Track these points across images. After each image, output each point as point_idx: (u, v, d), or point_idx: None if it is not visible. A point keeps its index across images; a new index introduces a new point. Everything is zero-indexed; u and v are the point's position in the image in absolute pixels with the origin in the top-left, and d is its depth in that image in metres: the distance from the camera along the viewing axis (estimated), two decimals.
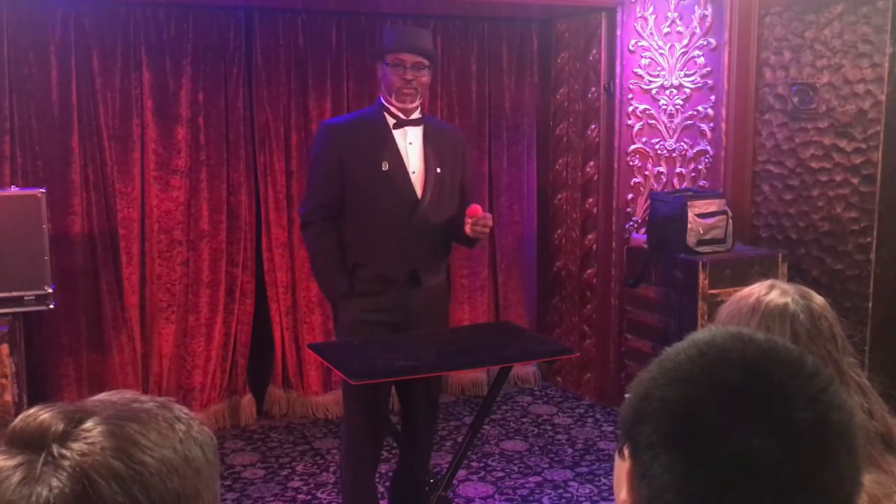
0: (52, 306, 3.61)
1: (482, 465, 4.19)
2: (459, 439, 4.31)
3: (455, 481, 3.73)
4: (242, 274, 4.59)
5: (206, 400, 4.50)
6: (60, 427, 0.78)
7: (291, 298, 4.69)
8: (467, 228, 3.19)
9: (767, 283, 1.64)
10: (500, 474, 4.09)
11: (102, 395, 0.85)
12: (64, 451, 0.76)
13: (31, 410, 0.81)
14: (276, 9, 4.56)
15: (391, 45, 3.22)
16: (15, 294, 3.51)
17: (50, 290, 3.57)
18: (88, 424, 0.79)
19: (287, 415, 4.76)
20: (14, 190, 3.67)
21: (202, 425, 0.87)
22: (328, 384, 4.76)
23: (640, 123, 4.61)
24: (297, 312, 4.69)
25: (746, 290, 1.63)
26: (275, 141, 4.59)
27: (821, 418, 0.79)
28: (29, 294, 3.53)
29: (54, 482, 0.75)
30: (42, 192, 3.57)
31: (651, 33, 4.51)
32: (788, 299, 1.58)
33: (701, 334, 0.87)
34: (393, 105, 3.22)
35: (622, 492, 0.88)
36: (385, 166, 3.18)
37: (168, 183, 4.42)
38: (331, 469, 4.13)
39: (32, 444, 0.77)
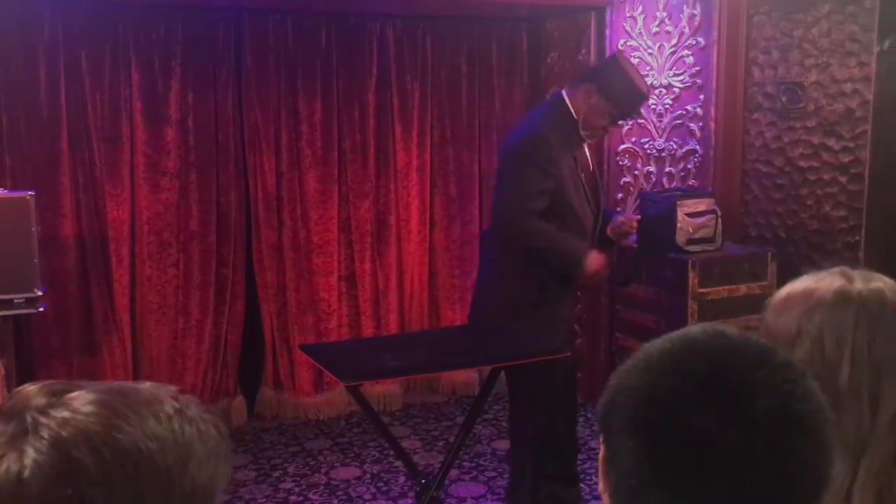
0: (41, 309, 3.59)
1: (474, 464, 4.19)
2: (451, 439, 4.31)
3: (447, 481, 3.73)
4: (233, 275, 4.58)
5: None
6: (44, 399, 0.77)
7: (282, 300, 4.69)
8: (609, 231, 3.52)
9: (837, 270, 1.32)
10: (492, 474, 4.10)
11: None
12: (44, 420, 0.75)
13: (21, 386, 0.80)
14: (265, 10, 4.55)
15: (635, 110, 3.43)
16: (4, 297, 3.49)
17: (39, 293, 3.55)
18: (74, 394, 0.78)
19: (278, 416, 4.75)
20: (3, 192, 3.65)
21: (205, 409, 0.85)
22: (320, 385, 4.76)
23: (630, 123, 4.62)
24: (287, 314, 4.69)
25: (811, 284, 1.30)
26: (264, 142, 4.58)
27: (783, 408, 0.80)
28: (18, 297, 3.51)
29: (30, 451, 0.73)
30: (31, 195, 3.55)
31: (640, 33, 4.52)
32: (880, 284, 1.28)
33: (678, 331, 0.89)
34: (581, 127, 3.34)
35: (602, 480, 0.90)
36: (583, 177, 3.37)
37: (158, 184, 4.40)
38: (322, 470, 4.13)
39: (13, 414, 0.76)
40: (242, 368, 4.72)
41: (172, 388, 0.85)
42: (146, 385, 0.84)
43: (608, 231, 3.53)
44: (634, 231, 3.57)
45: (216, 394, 4.60)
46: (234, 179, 4.56)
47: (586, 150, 3.44)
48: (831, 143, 3.87)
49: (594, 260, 3.28)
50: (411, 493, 3.37)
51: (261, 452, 4.34)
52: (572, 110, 3.28)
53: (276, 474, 4.10)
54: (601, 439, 0.89)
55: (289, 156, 4.63)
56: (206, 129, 4.48)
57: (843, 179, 3.85)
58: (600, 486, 0.90)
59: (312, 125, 4.66)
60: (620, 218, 3.58)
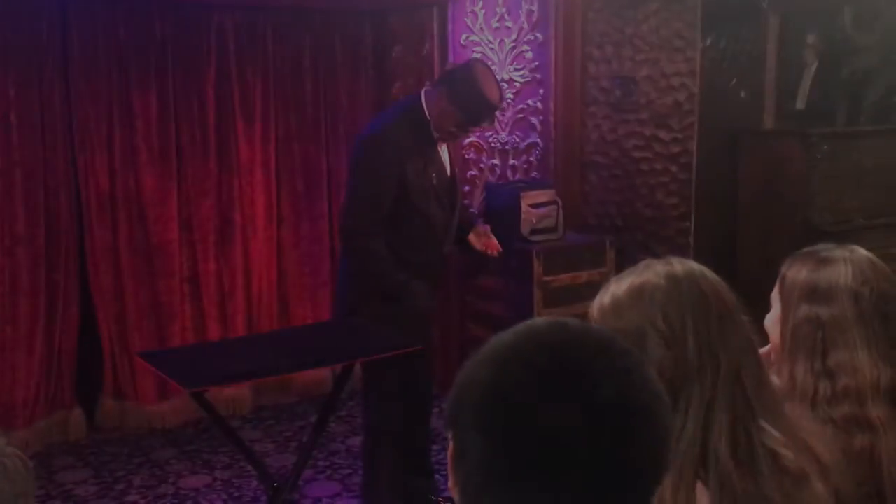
0: None
1: (329, 463, 4.15)
2: (305, 440, 4.25)
3: (301, 482, 3.67)
4: (65, 280, 4.32)
5: (30, 416, 4.21)
6: None
7: (120, 304, 4.46)
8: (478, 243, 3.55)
9: (649, 262, 1.39)
10: (348, 471, 4.07)
11: None
12: None
13: None
14: None
15: (484, 119, 3.39)
16: None
17: None
18: None
19: (121, 426, 4.52)
20: None
21: (8, 442, 0.79)
22: (164, 392, 4.56)
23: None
24: (126, 319, 4.46)
25: (636, 280, 1.35)
26: (96, 138, 4.34)
27: (623, 397, 0.81)
28: None
29: None
30: None
31: (481, 28, 4.59)
32: (696, 264, 1.37)
33: (523, 323, 0.89)
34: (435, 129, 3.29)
35: (451, 477, 0.89)
36: (434, 179, 3.29)
37: None
38: (170, 480, 3.97)
39: None
40: (80, 378, 4.46)
41: None
42: None
43: (470, 239, 3.56)
44: (495, 254, 3.57)
45: (52, 406, 4.33)
46: (63, 178, 4.29)
47: (443, 151, 3.42)
48: (662, 134, 4.07)
49: (419, 295, 3.31)
50: (265, 498, 3.29)
51: (103, 466, 4.13)
52: (426, 111, 3.26)
53: (120, 487, 3.91)
54: (450, 435, 0.87)
55: (123, 153, 4.40)
56: (31, 125, 4.18)
57: (674, 169, 4.06)
58: (450, 483, 0.89)
59: (148, 120, 4.45)
60: (485, 241, 3.57)
